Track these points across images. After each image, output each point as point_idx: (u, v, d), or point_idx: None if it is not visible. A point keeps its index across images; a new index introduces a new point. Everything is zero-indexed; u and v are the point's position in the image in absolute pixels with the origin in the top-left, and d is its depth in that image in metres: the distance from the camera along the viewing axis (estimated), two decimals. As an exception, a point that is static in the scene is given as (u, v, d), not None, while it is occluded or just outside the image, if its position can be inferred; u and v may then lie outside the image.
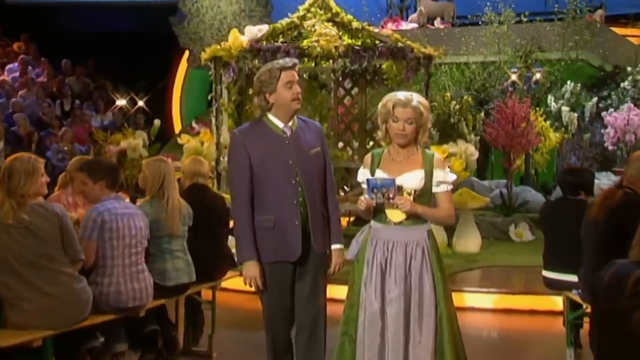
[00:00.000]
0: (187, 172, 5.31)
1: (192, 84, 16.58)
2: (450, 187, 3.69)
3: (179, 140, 9.27)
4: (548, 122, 11.82)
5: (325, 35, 8.54)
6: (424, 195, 3.65)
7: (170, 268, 4.77)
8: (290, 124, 3.78)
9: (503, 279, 7.75)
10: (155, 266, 4.70)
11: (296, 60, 3.84)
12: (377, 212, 3.68)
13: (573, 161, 12.56)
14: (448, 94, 11.88)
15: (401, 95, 3.65)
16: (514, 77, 12.64)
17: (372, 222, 3.73)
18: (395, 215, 3.63)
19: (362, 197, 3.63)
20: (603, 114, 11.37)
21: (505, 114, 10.22)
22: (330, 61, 9.14)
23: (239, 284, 6.24)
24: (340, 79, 9.92)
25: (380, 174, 3.66)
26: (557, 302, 6.50)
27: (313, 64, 9.02)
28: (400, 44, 8.81)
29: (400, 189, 3.58)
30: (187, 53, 15.86)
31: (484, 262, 8.31)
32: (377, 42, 8.81)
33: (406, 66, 8.98)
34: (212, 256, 5.21)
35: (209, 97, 8.95)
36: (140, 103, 14.56)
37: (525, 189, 11.41)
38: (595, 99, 12.91)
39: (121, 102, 14.50)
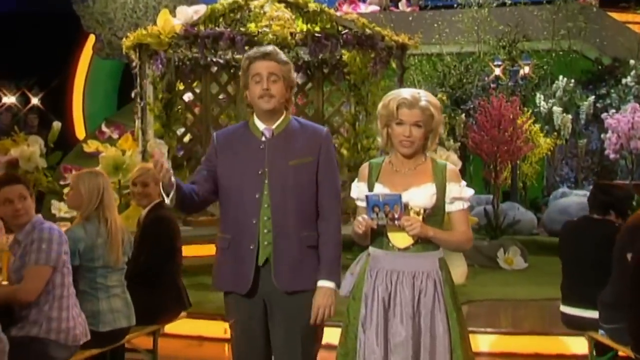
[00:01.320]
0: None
1: (98, 78, 16.35)
2: (466, 205, 3.70)
3: (86, 148, 9.23)
4: (538, 126, 11.93)
5: (278, 18, 8.57)
6: (436, 214, 3.65)
7: (106, 309, 4.70)
8: (273, 126, 3.78)
9: (496, 315, 7.85)
10: (87, 307, 4.61)
11: (270, 49, 3.78)
12: (377, 236, 3.66)
13: (566, 172, 12.76)
14: (418, 92, 11.90)
15: (406, 93, 3.66)
16: (497, 71, 12.69)
17: (371, 249, 3.71)
18: (400, 239, 3.62)
19: (359, 218, 3.60)
20: (603, 115, 11.57)
21: (490, 115, 10.25)
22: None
23: (177, 327, 6.34)
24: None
25: (380, 188, 3.66)
26: (567, 343, 6.58)
27: (258, 54, 8.89)
28: (368, 31, 8.88)
29: (406, 208, 3.57)
30: (92, 39, 15.55)
31: (471, 296, 8.29)
32: (340, 28, 8.85)
33: (375, 58, 9.06)
34: (171, 293, 5.34)
35: (133, 94, 8.88)
36: (35, 101, 14.23)
37: (513, 206, 11.46)
38: (592, 98, 13.00)
39: (9, 99, 14.17)
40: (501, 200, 11.51)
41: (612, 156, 11.25)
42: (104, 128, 13.24)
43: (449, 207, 3.68)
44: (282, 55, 3.75)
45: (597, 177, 12.28)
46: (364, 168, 3.78)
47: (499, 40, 13.71)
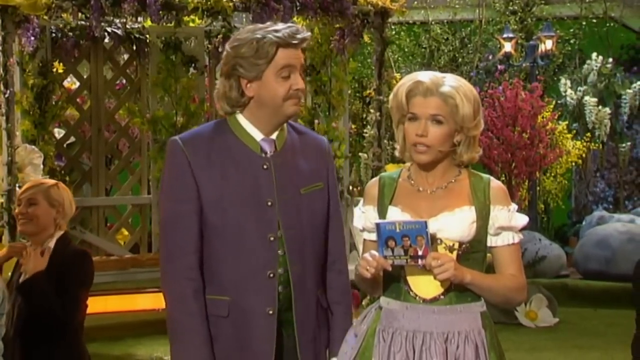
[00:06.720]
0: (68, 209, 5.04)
1: None
2: (519, 238, 3.52)
3: None
4: (563, 123, 11.58)
5: (209, -27, 8.47)
6: (475, 251, 3.46)
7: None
8: (274, 135, 3.61)
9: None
10: None
11: (307, 34, 3.54)
12: (392, 281, 3.50)
13: (602, 189, 12.43)
14: (397, 75, 11.40)
15: (423, 76, 3.47)
16: (507, 46, 12.11)
17: (383, 300, 3.55)
18: (426, 286, 3.43)
19: (367, 256, 3.40)
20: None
21: (502, 109, 10.04)
22: (206, 19, 8.89)
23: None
24: (221, 49, 9.59)
25: (396, 213, 3.47)
26: None
27: (174, 24, 8.47)
28: (335, -9, 8.94)
29: (433, 241, 3.37)
30: None
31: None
32: (295, -14, 8.90)
33: (343, 28, 8.81)
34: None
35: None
36: None
37: (533, 237, 10.91)
38: (637, 84, 12.59)
39: None
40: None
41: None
42: None
43: (493, 241, 3.49)
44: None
45: (645, 196, 12.58)
46: (372, 185, 3.68)
47: (507, 4, 13.49)
